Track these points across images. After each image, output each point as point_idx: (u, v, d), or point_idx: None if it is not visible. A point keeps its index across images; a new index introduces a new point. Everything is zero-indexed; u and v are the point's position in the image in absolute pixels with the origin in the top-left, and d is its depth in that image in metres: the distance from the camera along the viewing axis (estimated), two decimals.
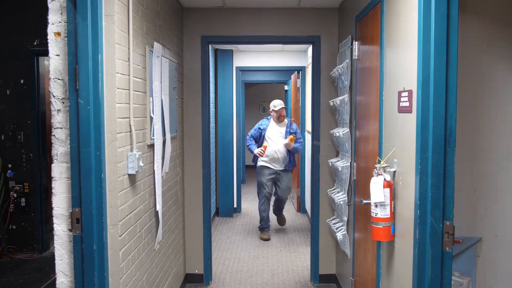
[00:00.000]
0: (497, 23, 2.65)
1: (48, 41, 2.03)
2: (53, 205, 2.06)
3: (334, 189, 3.84)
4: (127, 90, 2.30)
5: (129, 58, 2.32)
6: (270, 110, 5.41)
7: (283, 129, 5.38)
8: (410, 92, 2.02)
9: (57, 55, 2.02)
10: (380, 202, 2.19)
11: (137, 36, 2.47)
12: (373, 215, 2.23)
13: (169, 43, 3.30)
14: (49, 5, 2.03)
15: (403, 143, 2.13)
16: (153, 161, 2.80)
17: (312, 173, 4.03)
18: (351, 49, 3.26)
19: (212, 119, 6.11)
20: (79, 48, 1.91)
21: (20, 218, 4.73)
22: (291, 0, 3.72)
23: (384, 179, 2.19)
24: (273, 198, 5.67)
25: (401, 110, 2.14)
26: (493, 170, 2.69)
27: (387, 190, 2.17)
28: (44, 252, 4.76)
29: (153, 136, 2.76)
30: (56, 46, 2.02)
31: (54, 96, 2.03)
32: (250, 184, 9.45)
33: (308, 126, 5.82)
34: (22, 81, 4.65)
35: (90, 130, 1.93)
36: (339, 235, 3.51)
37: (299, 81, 6.70)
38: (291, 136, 5.22)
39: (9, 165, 4.69)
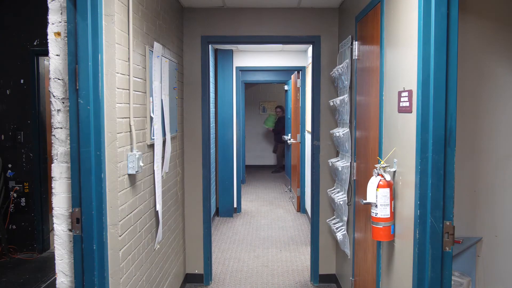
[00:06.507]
0: (497, 23, 2.65)
1: (48, 41, 2.03)
2: (53, 205, 2.06)
3: (334, 189, 3.84)
4: (127, 90, 2.30)
5: (129, 58, 2.32)
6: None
7: None
8: (410, 92, 2.02)
9: (57, 55, 2.02)
10: (373, 203, 2.19)
11: (137, 36, 2.47)
12: (373, 215, 2.23)
13: (169, 43, 3.30)
14: (49, 5, 2.03)
15: (403, 143, 2.13)
16: (153, 161, 2.80)
17: (312, 173, 4.03)
18: (351, 49, 3.26)
19: (212, 119, 6.11)
20: (79, 48, 1.91)
21: (20, 218, 4.73)
22: (291, 0, 3.72)
23: (384, 179, 2.19)
24: None
25: (401, 110, 2.14)
26: (493, 170, 2.69)
27: (387, 190, 2.17)
28: (44, 252, 4.76)
29: (153, 136, 2.76)
30: (56, 46, 2.02)
31: (54, 96, 2.03)
32: (250, 184, 9.44)
33: (308, 126, 5.82)
34: (22, 81, 4.65)
35: (90, 130, 1.92)
36: (339, 235, 3.50)
37: (299, 81, 6.70)
38: None
39: (9, 165, 4.69)
